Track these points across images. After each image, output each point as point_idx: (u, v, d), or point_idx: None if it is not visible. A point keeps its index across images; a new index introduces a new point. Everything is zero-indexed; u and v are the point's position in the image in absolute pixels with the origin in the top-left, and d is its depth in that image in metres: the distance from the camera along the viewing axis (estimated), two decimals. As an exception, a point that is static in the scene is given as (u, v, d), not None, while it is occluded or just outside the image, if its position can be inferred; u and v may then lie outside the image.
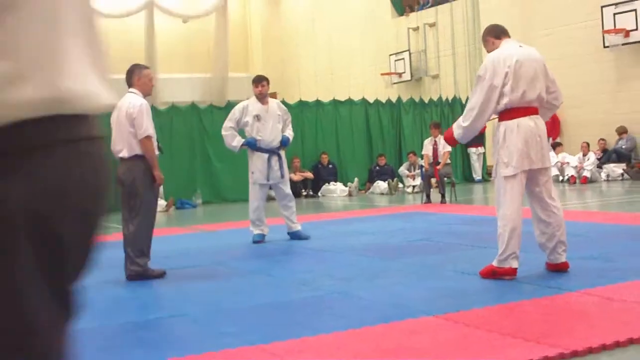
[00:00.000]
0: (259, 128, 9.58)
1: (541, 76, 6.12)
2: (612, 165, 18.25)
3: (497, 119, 6.22)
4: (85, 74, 1.40)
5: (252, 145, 9.60)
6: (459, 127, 6.30)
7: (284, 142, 9.75)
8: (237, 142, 9.66)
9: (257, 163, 9.63)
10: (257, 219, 9.58)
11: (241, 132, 9.81)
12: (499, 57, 6.03)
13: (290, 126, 9.94)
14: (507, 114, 6.06)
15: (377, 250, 8.25)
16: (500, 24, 6.53)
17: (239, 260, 8.06)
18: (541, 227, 6.15)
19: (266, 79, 9.85)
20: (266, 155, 9.60)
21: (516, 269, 5.96)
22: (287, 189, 9.78)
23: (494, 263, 6.02)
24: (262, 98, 9.70)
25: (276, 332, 4.60)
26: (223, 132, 9.76)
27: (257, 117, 9.58)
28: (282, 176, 9.71)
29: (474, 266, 6.41)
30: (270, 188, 9.97)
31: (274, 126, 9.65)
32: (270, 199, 10.07)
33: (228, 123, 9.72)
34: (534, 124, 6.04)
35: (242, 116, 9.65)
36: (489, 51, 6.31)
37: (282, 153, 9.81)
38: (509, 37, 6.31)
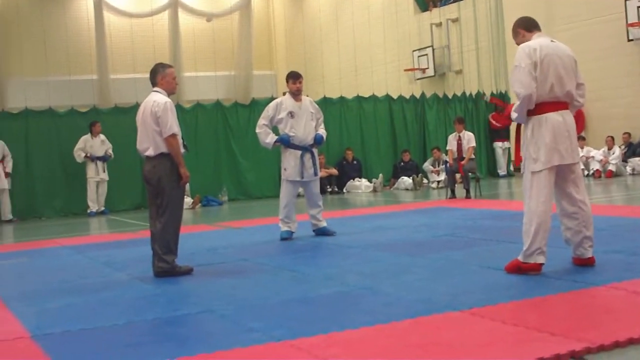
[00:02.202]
0: (293, 125, 9.59)
1: (571, 73, 6.08)
2: (637, 159, 18.13)
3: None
4: None
5: (285, 141, 9.62)
6: (514, 112, 6.20)
7: (318, 140, 9.75)
8: (270, 139, 9.66)
9: (289, 160, 9.64)
10: (286, 216, 9.60)
11: (275, 130, 9.81)
12: (530, 47, 5.99)
13: (322, 125, 9.93)
14: (536, 108, 6.00)
15: (402, 246, 8.26)
16: (531, 17, 6.46)
17: (265, 257, 8.09)
18: (567, 222, 6.14)
19: (302, 76, 9.86)
20: (299, 153, 9.61)
21: (542, 264, 5.95)
22: (317, 188, 9.80)
23: (520, 258, 6.01)
24: (297, 94, 9.71)
25: (303, 328, 4.63)
26: (257, 130, 9.77)
27: (291, 114, 9.59)
28: (315, 174, 9.73)
29: (499, 261, 6.40)
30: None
31: (307, 123, 9.66)
32: (298, 196, 10.07)
33: (262, 121, 9.73)
34: (562, 119, 6.00)
35: (275, 113, 9.65)
36: (518, 43, 6.24)
37: (315, 151, 9.82)
38: (540, 31, 6.27)
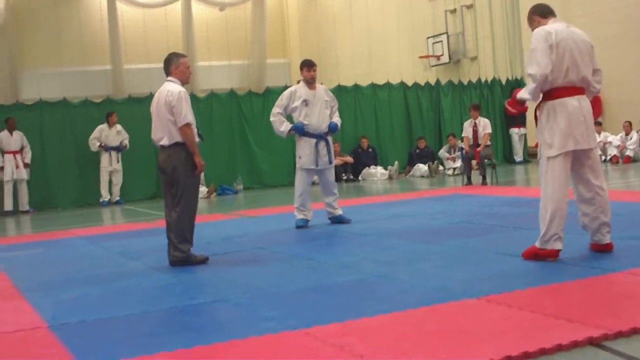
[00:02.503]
0: (307, 113, 9.56)
1: (587, 58, 6.02)
2: (655, 144, 18.02)
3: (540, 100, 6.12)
4: None
5: (299, 130, 9.59)
6: (525, 92, 6.15)
7: (332, 128, 9.72)
8: (285, 127, 9.62)
9: (304, 148, 9.62)
10: (301, 204, 9.58)
11: (289, 118, 9.79)
12: (546, 30, 5.94)
13: (337, 113, 9.90)
14: (551, 93, 5.97)
15: (418, 233, 8.24)
16: (546, 3, 6.42)
17: (280, 245, 8.09)
18: (584, 207, 6.09)
19: (316, 64, 9.82)
20: (314, 141, 9.58)
21: (559, 250, 5.91)
22: (332, 176, 9.78)
23: (537, 244, 5.98)
24: (311, 83, 9.68)
25: (319, 316, 4.61)
26: (271, 118, 9.75)
27: (305, 102, 9.56)
28: (330, 162, 9.70)
29: (516, 248, 6.37)
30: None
31: (321, 111, 9.63)
32: (313, 184, 10.05)
33: (276, 109, 9.70)
34: (578, 104, 5.95)
35: (289, 102, 9.63)
36: (533, 30, 6.21)
37: (330, 139, 9.79)
38: (556, 17, 6.21)
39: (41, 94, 18.70)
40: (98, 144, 16.43)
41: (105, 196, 16.54)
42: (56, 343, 4.48)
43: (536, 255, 5.97)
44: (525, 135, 20.65)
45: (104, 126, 16.53)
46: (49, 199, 16.47)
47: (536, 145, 6.53)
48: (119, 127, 16.64)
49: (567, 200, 5.96)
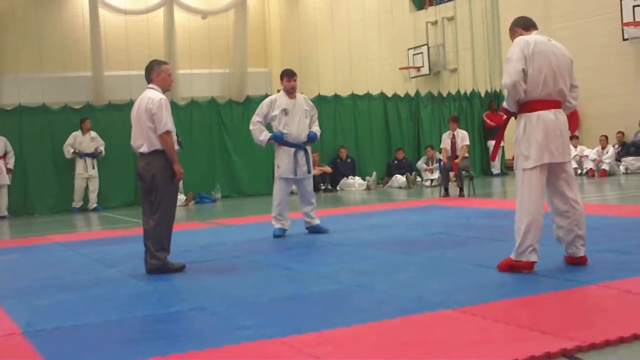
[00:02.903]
0: (287, 122, 9.57)
1: (565, 72, 6.07)
2: (630, 158, 18.18)
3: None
4: None
5: (279, 139, 9.59)
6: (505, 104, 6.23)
7: (312, 138, 9.74)
8: (264, 136, 9.63)
9: (283, 157, 9.62)
10: (279, 213, 9.59)
11: (269, 127, 9.79)
12: (525, 40, 6.00)
13: (317, 122, 9.93)
14: (527, 106, 6.01)
15: (395, 243, 8.26)
16: (528, 16, 6.46)
17: (258, 254, 8.09)
18: (559, 220, 6.14)
19: (296, 74, 9.84)
20: (292, 150, 9.59)
21: (534, 262, 5.95)
22: (310, 186, 9.80)
23: (512, 256, 6.01)
24: (291, 92, 9.70)
25: (295, 325, 4.62)
26: (251, 127, 9.76)
27: (285, 111, 9.57)
28: (309, 171, 9.72)
29: (492, 260, 6.40)
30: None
31: (301, 121, 9.64)
32: (292, 193, 10.07)
33: (256, 117, 9.71)
34: (555, 117, 5.99)
35: (269, 110, 9.63)
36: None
37: (309, 148, 9.80)
38: (537, 30, 6.27)
39: (21, 99, 18.63)
40: (72, 150, 16.34)
41: (77, 202, 16.45)
42: (30, 350, 4.46)
43: (511, 267, 6.01)
44: (502, 147, 20.77)
45: (77, 133, 16.45)
46: (26, 204, 16.36)
47: (513, 158, 6.58)
48: (93, 133, 16.54)
49: (543, 213, 6.00)
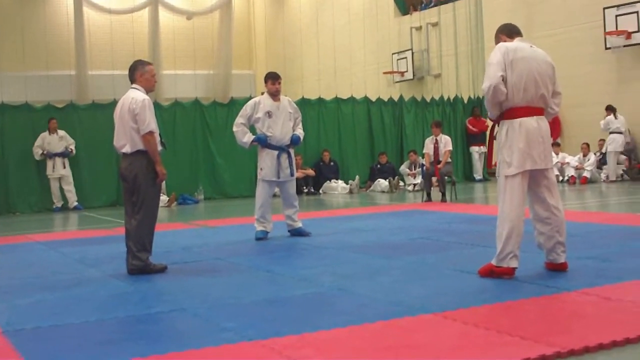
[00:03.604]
0: (270, 125, 9.56)
1: (547, 79, 6.11)
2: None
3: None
4: None
5: (262, 141, 9.58)
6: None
7: (295, 141, 9.74)
8: (247, 138, 9.63)
9: (266, 160, 9.61)
10: (261, 216, 9.58)
11: (252, 129, 9.78)
12: (506, 46, 6.04)
13: (300, 125, 9.92)
14: (509, 113, 6.05)
15: (377, 247, 8.28)
16: (513, 24, 6.49)
17: (240, 256, 8.09)
18: (540, 227, 6.18)
19: (280, 77, 9.84)
20: (276, 153, 9.59)
21: (515, 268, 5.98)
22: (293, 189, 9.80)
23: (493, 262, 6.04)
24: (275, 95, 9.69)
25: (276, 328, 4.63)
26: (234, 129, 9.75)
27: (269, 114, 9.57)
28: (292, 174, 9.71)
29: (473, 265, 6.43)
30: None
31: (284, 123, 9.64)
32: (274, 196, 10.07)
33: (239, 119, 9.70)
34: (537, 125, 6.04)
35: (253, 112, 9.62)
36: None
37: (292, 151, 9.81)
38: (522, 37, 6.30)
39: (3, 97, 18.54)
40: (41, 152, 16.21)
41: (57, 203, 16.37)
42: (9, 349, 4.44)
43: (492, 273, 6.04)
44: (485, 153, 20.82)
45: (45, 134, 16.31)
46: (8, 203, 16.26)
47: (495, 164, 6.61)
48: (61, 132, 16.40)
49: (524, 219, 6.03)
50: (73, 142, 16.53)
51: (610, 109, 18.01)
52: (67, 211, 16.22)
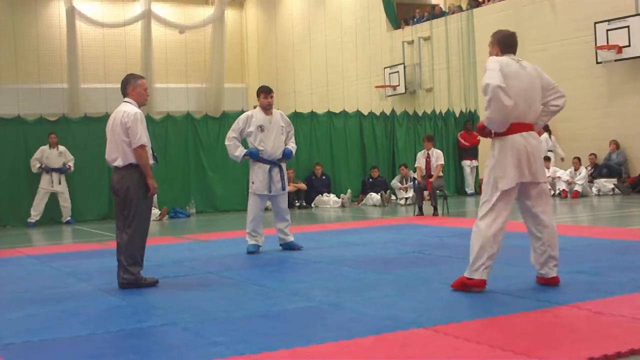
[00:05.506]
0: (262, 139, 9.56)
1: (534, 93, 6.14)
2: (602, 180, 18.36)
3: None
4: None
5: (254, 155, 9.58)
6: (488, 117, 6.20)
7: (287, 155, 9.73)
8: (239, 152, 9.63)
9: (258, 173, 9.61)
10: (253, 229, 9.57)
11: (244, 143, 9.78)
12: (499, 59, 6.07)
13: (293, 139, 9.92)
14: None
15: (369, 262, 8.27)
16: (514, 37, 6.45)
17: (231, 270, 8.07)
18: (532, 242, 6.19)
19: (273, 91, 9.85)
20: (268, 167, 9.58)
21: (485, 280, 5.98)
22: (285, 202, 9.79)
23: (465, 274, 6.05)
24: (268, 109, 9.70)
25: (267, 342, 4.62)
26: (226, 142, 9.75)
27: (261, 128, 9.57)
28: (283, 188, 9.71)
29: (465, 279, 6.43)
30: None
31: (276, 137, 9.64)
32: (266, 209, 10.06)
33: (231, 133, 9.69)
34: (525, 141, 6.04)
35: (245, 126, 9.62)
36: (490, 55, 6.32)
37: (284, 165, 9.81)
38: (514, 54, 6.29)
39: (-5, 110, 18.51)
40: (38, 165, 16.12)
41: (33, 217, 16.10)
42: (0, 363, 4.43)
43: (464, 285, 6.03)
44: (477, 167, 20.87)
45: (45, 147, 16.20)
46: (-2, 216, 16.22)
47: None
48: (61, 148, 16.29)
49: (503, 234, 6.04)
50: (72, 158, 16.38)
51: (546, 129, 18.23)
52: (59, 225, 16.16)
